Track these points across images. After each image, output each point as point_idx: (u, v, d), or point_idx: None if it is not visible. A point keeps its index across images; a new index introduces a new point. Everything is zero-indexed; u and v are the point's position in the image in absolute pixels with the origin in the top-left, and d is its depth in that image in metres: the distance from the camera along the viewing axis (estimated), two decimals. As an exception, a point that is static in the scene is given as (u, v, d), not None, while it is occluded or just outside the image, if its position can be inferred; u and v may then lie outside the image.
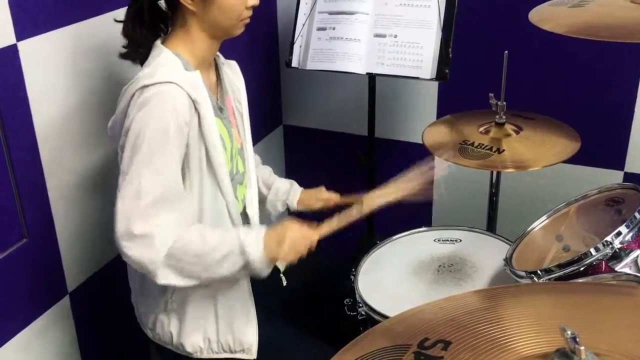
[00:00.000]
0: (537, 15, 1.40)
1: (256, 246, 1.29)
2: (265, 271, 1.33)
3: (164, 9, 1.40)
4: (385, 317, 1.44)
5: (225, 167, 1.40)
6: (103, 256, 1.69)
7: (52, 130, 1.48)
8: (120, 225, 1.26)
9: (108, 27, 1.58)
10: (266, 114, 2.46)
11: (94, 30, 1.55)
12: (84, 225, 1.62)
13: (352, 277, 1.59)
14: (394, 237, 1.73)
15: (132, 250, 1.26)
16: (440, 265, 1.61)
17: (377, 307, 1.47)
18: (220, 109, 1.44)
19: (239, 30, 1.42)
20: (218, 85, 1.49)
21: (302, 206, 1.69)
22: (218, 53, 1.53)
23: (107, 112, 1.60)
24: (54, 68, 1.47)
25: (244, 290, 1.45)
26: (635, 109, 1.98)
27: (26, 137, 1.43)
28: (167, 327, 1.43)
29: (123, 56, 1.42)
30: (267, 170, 1.74)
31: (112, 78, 1.61)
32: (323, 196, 1.69)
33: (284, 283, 1.60)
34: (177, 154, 1.29)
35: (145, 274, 1.29)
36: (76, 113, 1.54)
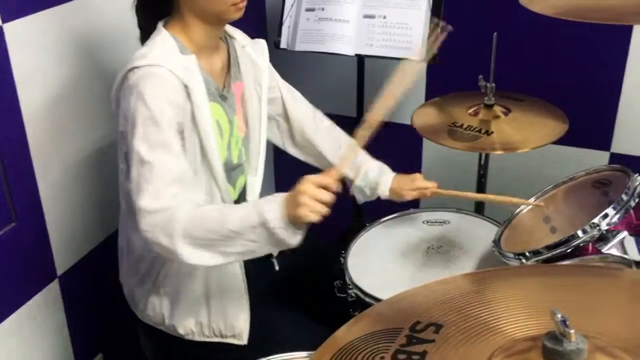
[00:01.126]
0: (527, -2, 1.40)
1: (275, 213, 1.18)
2: (293, 239, 1.21)
3: None
4: (375, 298, 1.45)
5: (219, 156, 1.38)
6: (91, 239, 1.69)
7: (39, 113, 1.47)
8: (135, 207, 1.23)
9: (95, 8, 1.56)
10: (254, 95, 2.44)
11: (80, 11, 1.53)
12: (72, 209, 1.61)
13: (341, 259, 1.60)
14: (383, 219, 1.74)
15: (150, 230, 1.22)
16: (429, 247, 1.62)
17: (367, 289, 1.48)
18: (222, 96, 1.43)
19: (234, 15, 1.37)
20: (227, 70, 1.47)
21: (394, 196, 1.58)
22: (240, 34, 1.51)
23: (94, 94, 1.60)
24: (40, 50, 1.45)
25: (237, 276, 1.45)
26: (622, 91, 2.00)
27: (13, 121, 1.41)
28: (158, 309, 1.43)
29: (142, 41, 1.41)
30: (355, 149, 1.56)
31: (100, 59, 1.60)
32: (418, 185, 1.57)
33: (277, 268, 1.60)
34: (175, 135, 1.28)
35: (167, 255, 1.26)
36: (64, 96, 1.53)
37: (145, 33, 1.40)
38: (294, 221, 1.19)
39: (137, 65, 1.27)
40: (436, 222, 1.72)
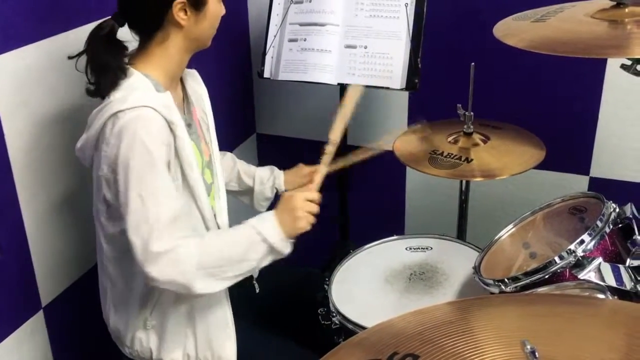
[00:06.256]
0: (501, 30, 1.44)
1: (273, 229, 1.36)
2: (288, 249, 1.38)
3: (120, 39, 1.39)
4: (358, 326, 1.47)
5: (202, 184, 1.41)
6: (76, 270, 1.69)
7: (25, 146, 1.48)
8: (140, 254, 1.27)
9: (80, 41, 1.58)
10: (239, 123, 2.48)
11: (65, 45, 1.55)
12: (57, 239, 1.62)
13: (325, 286, 1.61)
14: (367, 246, 1.76)
15: (162, 271, 1.27)
16: (411, 274, 1.64)
17: (351, 317, 1.49)
18: (188, 125, 1.45)
19: (210, 42, 1.45)
20: (184, 100, 1.50)
21: (290, 185, 1.75)
22: None
23: (80, 129, 1.61)
24: (25, 84, 1.47)
25: (223, 306, 1.46)
26: (599, 117, 2.04)
27: (-2, 154, 1.43)
28: (146, 344, 1.44)
29: (92, 93, 1.37)
30: (244, 163, 1.78)
31: (85, 94, 1.62)
32: (306, 171, 1.74)
33: (257, 290, 1.62)
34: (167, 172, 1.31)
35: (180, 291, 1.31)
36: (49, 129, 1.54)
37: (107, 77, 1.33)
38: (289, 233, 1.37)
39: (120, 109, 1.27)
40: (419, 248, 1.74)
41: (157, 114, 1.29)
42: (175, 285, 1.30)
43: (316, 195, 1.45)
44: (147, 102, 1.29)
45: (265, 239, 1.34)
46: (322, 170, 1.50)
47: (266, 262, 1.38)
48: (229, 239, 1.36)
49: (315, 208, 1.43)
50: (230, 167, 1.74)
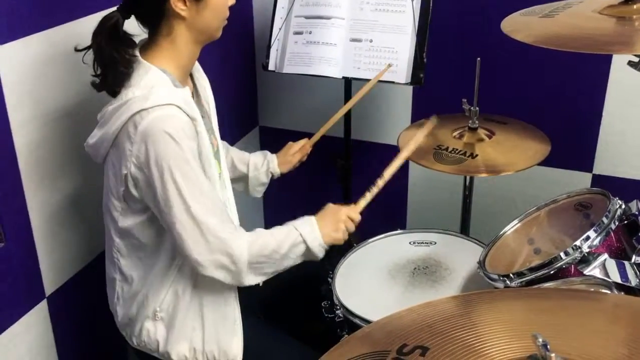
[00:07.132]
0: (509, 25, 1.43)
1: (313, 233, 1.41)
2: (322, 254, 1.44)
3: (128, 31, 1.37)
4: (362, 319, 1.47)
5: (217, 179, 1.42)
6: (80, 259, 1.70)
7: (30, 135, 1.48)
8: (195, 252, 1.31)
9: (86, 31, 1.58)
10: (243, 116, 2.47)
11: (72, 34, 1.55)
12: (62, 229, 1.62)
13: (329, 279, 1.61)
14: (370, 240, 1.76)
15: (216, 267, 1.33)
16: (415, 268, 1.64)
17: (354, 310, 1.49)
18: (202, 118, 1.45)
19: (220, 33, 1.43)
20: (193, 92, 1.50)
21: (284, 167, 1.78)
22: None
23: (85, 119, 1.61)
24: (31, 73, 1.46)
25: (232, 302, 1.46)
26: (603, 114, 2.04)
27: (3, 142, 1.42)
28: (153, 336, 1.44)
29: (98, 87, 1.35)
30: (237, 150, 1.79)
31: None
32: (296, 148, 1.78)
33: (260, 283, 1.62)
34: (199, 165, 1.32)
35: (229, 282, 1.37)
36: (54, 119, 1.54)
37: (109, 67, 1.32)
38: (326, 241, 1.44)
39: (144, 108, 1.25)
40: (422, 242, 1.74)
41: (181, 112, 1.28)
42: (228, 279, 1.35)
43: (358, 217, 1.50)
44: (171, 99, 1.27)
45: (304, 240, 1.39)
46: (367, 197, 1.53)
47: (298, 261, 1.43)
48: (279, 238, 1.39)
49: (353, 227, 1.49)
50: (224, 155, 1.73)
